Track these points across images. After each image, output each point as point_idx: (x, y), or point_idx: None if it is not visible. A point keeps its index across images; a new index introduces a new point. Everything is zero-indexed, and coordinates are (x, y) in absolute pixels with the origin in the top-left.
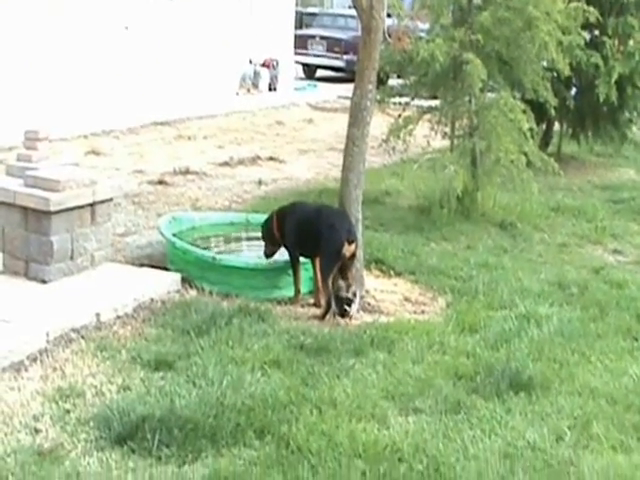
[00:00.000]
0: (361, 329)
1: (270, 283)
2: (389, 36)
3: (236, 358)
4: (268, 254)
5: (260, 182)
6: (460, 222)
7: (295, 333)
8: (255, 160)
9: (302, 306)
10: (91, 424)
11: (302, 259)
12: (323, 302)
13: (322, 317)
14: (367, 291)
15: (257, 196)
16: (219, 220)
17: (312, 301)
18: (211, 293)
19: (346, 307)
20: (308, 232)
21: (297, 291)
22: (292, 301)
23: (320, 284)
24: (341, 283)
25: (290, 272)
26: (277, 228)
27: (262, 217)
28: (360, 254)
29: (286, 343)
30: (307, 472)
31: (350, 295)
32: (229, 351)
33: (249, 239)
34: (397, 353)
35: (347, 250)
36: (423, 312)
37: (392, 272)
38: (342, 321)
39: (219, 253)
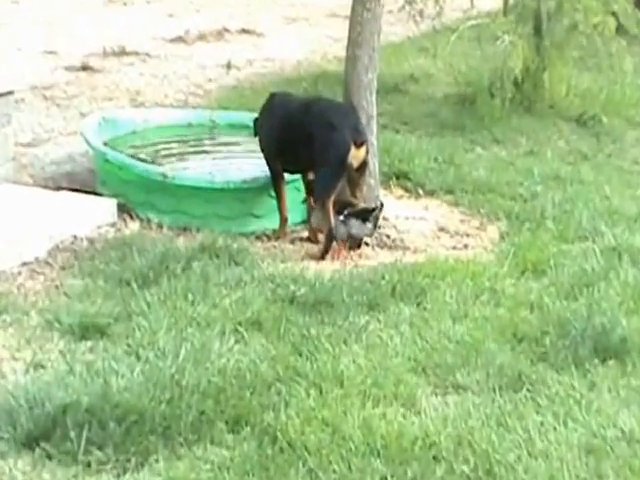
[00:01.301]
0: (378, 272)
1: (245, 210)
2: None
3: (198, 318)
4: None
5: (229, 65)
6: (519, 116)
7: (282, 281)
8: (221, 34)
9: (291, 242)
10: None
11: (290, 176)
12: (322, 234)
13: (321, 256)
14: (385, 218)
15: (225, 86)
16: (171, 121)
17: (305, 234)
18: (161, 226)
19: (360, 229)
20: (295, 136)
21: (283, 220)
22: (277, 235)
23: (317, 208)
24: (349, 201)
25: (273, 194)
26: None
27: (233, 115)
28: (374, 165)
29: (270, 295)
30: (302, 478)
31: (370, 206)
32: (188, 308)
33: (215, 147)
34: (430, 306)
35: (354, 157)
36: (466, 247)
37: (421, 191)
38: (350, 258)
39: (172, 169)
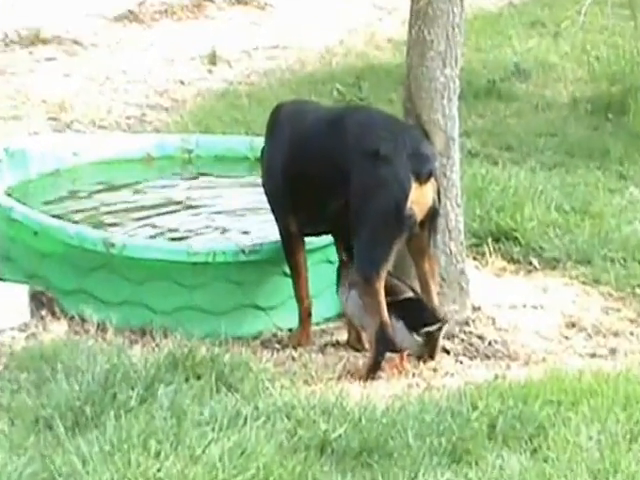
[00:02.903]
0: (465, 399)
1: (243, 299)
2: None
3: None
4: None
5: (214, 58)
6: None
7: (306, 415)
8: (201, 6)
9: (320, 349)
10: None
11: (315, 240)
12: (369, 334)
13: (368, 373)
14: (475, 308)
15: (207, 91)
16: (119, 153)
17: (344, 336)
18: (104, 328)
19: (423, 334)
20: (319, 173)
21: (304, 314)
22: (296, 338)
23: (358, 293)
24: (400, 285)
25: (285, 269)
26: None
27: (222, 142)
28: (455, 217)
29: (286, 439)
30: None
31: (430, 308)
32: (149, 465)
33: (192, 195)
34: (553, 454)
35: (417, 201)
36: (614, 353)
37: (536, 261)
38: (416, 374)
39: (122, 233)
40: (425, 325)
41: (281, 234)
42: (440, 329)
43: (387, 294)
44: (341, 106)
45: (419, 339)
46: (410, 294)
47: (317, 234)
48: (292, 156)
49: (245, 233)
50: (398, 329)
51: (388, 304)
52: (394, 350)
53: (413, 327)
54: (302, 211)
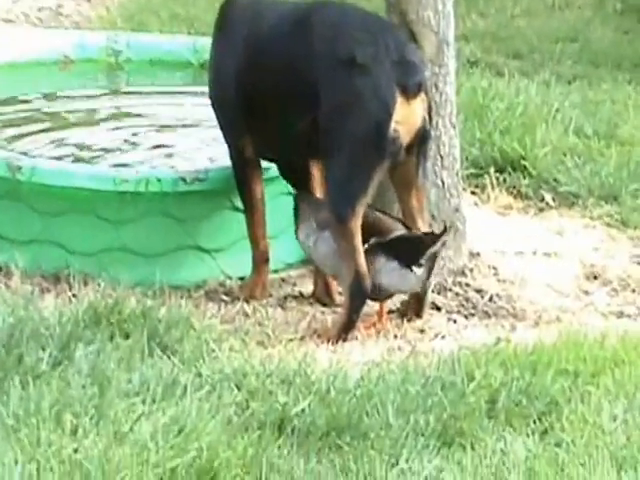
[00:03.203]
0: (459, 367)
1: (183, 238)
2: None
3: (86, 464)
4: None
5: None
6: None
7: (261, 385)
8: None
9: (279, 302)
10: None
11: (269, 167)
12: (344, 285)
13: (340, 333)
14: (474, 254)
15: None
16: (29, 54)
17: (308, 287)
18: (8, 272)
19: (396, 278)
20: (282, 83)
21: (259, 257)
22: (248, 287)
23: (330, 232)
24: (387, 220)
25: (239, 203)
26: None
27: (156, 40)
28: (449, 141)
29: (235, 415)
30: None
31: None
32: (64, 444)
33: (119, 107)
34: (569, 436)
35: (403, 120)
36: None
37: (550, 197)
38: (399, 335)
39: (29, 154)
40: (422, 243)
41: (232, 158)
42: (441, 238)
43: (372, 233)
44: (311, 1)
45: (419, 271)
46: (402, 231)
47: (278, 160)
48: (247, 62)
49: (186, 157)
50: (393, 270)
51: (376, 244)
52: (374, 299)
53: (407, 259)
54: (259, 131)
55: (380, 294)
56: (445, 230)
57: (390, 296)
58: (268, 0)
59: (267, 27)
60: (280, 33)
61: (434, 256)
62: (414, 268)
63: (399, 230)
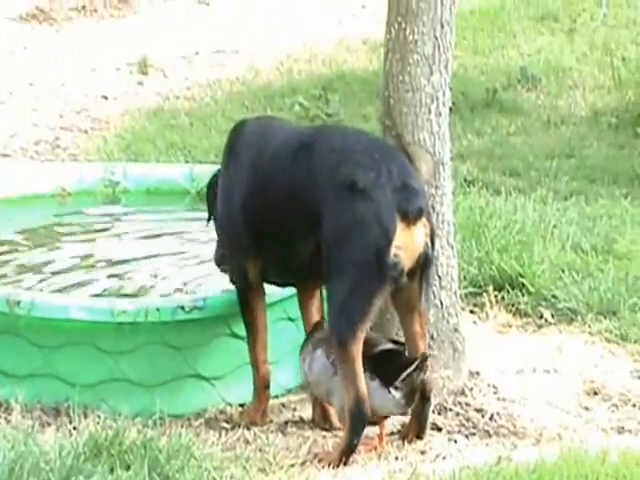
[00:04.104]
0: None
1: (183, 367)
2: None
3: None
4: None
5: (144, 65)
6: None
7: None
8: None
9: (280, 428)
10: None
11: (277, 292)
12: (340, 409)
13: (341, 458)
14: (473, 373)
15: (136, 108)
16: (27, 188)
17: (308, 412)
18: (8, 407)
19: (401, 383)
20: (285, 208)
21: (261, 382)
22: (249, 414)
23: (336, 358)
24: (373, 336)
25: (240, 330)
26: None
27: (156, 171)
28: (448, 263)
29: None
30: None
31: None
32: None
33: (116, 237)
34: None
35: (404, 246)
36: None
37: (549, 314)
38: (400, 456)
39: (27, 289)
40: (401, 364)
41: (236, 283)
42: (421, 369)
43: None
44: (314, 126)
45: (397, 394)
46: (388, 345)
47: (282, 284)
48: (255, 187)
49: (183, 286)
50: (373, 389)
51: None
52: (373, 423)
53: (391, 382)
54: (265, 255)
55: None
56: (425, 357)
57: (384, 417)
58: (276, 124)
59: (274, 151)
60: (285, 157)
61: (412, 383)
62: (392, 391)
63: (384, 344)
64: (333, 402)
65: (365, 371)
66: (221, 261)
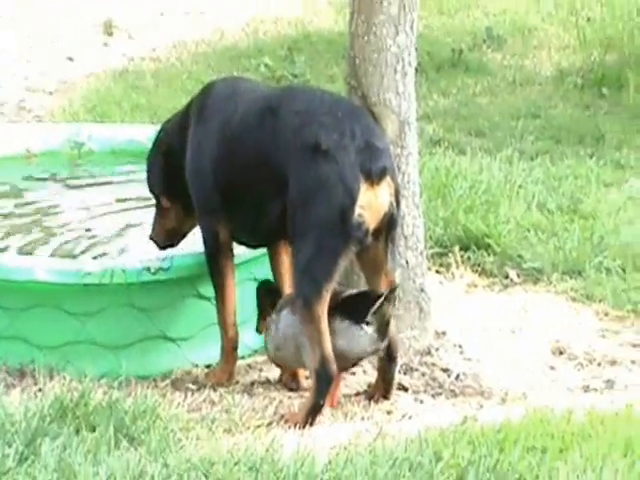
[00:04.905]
0: (426, 448)
1: (149, 328)
2: None
3: None
4: (161, 239)
5: (110, 26)
6: None
7: (229, 472)
8: None
9: (246, 389)
10: None
11: (244, 252)
12: (311, 368)
13: (307, 418)
14: (439, 333)
15: (101, 69)
16: None
17: (275, 372)
18: None
19: (350, 340)
20: (252, 169)
21: (229, 343)
22: (216, 375)
23: (298, 316)
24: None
25: (207, 290)
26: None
27: (121, 132)
28: (414, 222)
29: None
30: None
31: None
32: None
33: (82, 198)
34: None
35: (368, 206)
36: (612, 386)
37: (514, 273)
38: (366, 416)
39: None
40: (369, 301)
41: (206, 243)
42: (390, 300)
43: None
44: (280, 87)
45: (369, 330)
46: (353, 291)
47: (253, 245)
48: (224, 148)
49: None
50: (345, 330)
51: (330, 308)
52: (346, 368)
53: (362, 318)
54: (235, 216)
55: (339, 361)
56: (393, 288)
57: (359, 360)
58: (243, 86)
59: (242, 113)
60: (251, 121)
61: (383, 315)
62: (364, 327)
63: (349, 291)
64: (303, 358)
65: (335, 318)
66: (158, 240)
